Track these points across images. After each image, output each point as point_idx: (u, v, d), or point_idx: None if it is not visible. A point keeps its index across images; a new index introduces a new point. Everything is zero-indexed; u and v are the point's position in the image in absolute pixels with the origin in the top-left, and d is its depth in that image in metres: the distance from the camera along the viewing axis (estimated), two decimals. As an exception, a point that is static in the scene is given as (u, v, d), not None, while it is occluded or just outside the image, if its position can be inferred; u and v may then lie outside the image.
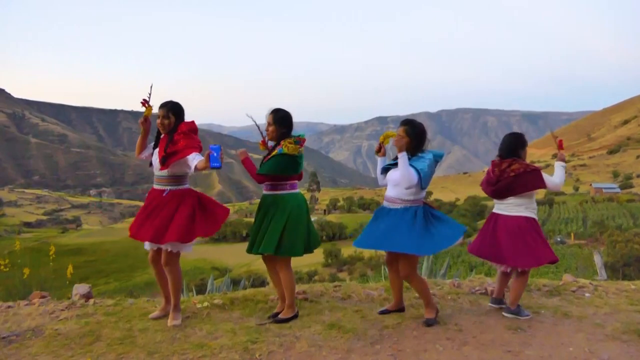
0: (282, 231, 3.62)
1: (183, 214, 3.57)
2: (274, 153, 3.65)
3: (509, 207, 3.89)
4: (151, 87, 3.72)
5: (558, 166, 3.96)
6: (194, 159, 3.49)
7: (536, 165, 3.93)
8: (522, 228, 3.80)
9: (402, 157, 3.53)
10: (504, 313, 3.93)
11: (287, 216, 3.65)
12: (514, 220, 3.84)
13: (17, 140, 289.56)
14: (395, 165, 3.68)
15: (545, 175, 3.84)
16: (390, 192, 3.69)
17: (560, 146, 4.03)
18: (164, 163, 3.56)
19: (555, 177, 3.90)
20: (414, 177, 3.53)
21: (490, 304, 4.16)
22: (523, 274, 3.89)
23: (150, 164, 3.77)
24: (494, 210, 4.03)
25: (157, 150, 3.71)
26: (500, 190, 3.87)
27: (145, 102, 3.60)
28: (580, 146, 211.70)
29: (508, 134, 4.04)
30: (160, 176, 3.66)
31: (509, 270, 4.00)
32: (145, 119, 3.66)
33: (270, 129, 3.70)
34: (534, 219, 3.89)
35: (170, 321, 3.62)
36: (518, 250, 3.76)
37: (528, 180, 3.80)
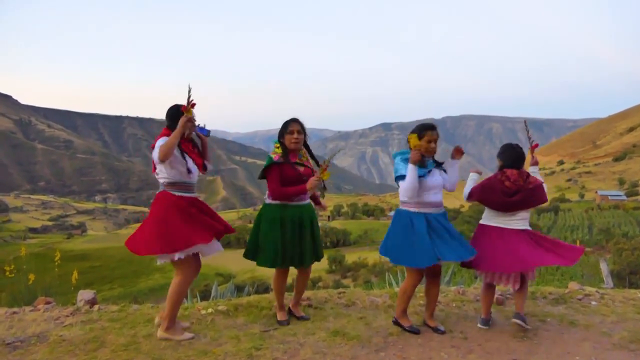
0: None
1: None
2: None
3: (519, 222, 3.69)
4: (189, 89, 3.29)
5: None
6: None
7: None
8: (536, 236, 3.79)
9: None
10: (514, 320, 3.68)
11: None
12: (525, 233, 3.71)
13: (23, 146, 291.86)
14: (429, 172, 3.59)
15: None
16: (434, 197, 3.57)
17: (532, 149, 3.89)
18: (205, 168, 3.63)
19: None
20: None
21: (480, 325, 3.80)
22: (525, 284, 3.80)
23: (189, 171, 3.42)
24: (496, 224, 3.73)
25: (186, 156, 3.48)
26: (517, 202, 3.60)
27: (192, 105, 3.29)
28: (585, 153, 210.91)
29: (515, 145, 3.80)
30: (195, 182, 3.54)
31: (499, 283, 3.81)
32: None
33: (300, 137, 3.70)
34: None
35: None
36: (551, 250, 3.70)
37: (540, 194, 3.66)
